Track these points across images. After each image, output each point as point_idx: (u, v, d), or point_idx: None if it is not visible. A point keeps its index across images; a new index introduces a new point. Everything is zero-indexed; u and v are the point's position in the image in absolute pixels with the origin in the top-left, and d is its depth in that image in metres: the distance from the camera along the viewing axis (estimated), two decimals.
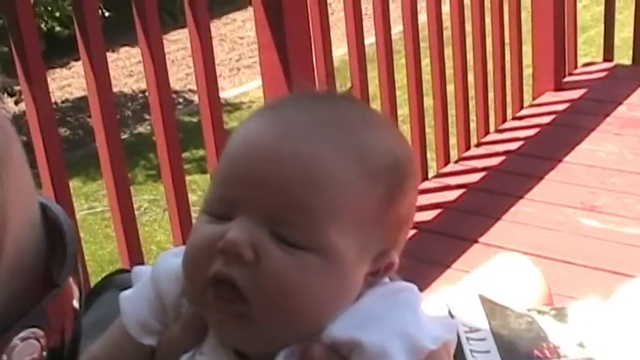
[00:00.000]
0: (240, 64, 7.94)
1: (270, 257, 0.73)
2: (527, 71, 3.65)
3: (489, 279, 1.44)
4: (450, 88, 3.18)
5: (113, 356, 0.76)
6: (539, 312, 1.30)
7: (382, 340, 0.73)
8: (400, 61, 3.06)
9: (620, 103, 3.45)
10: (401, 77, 3.06)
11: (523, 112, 3.51)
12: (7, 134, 0.45)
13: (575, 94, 3.59)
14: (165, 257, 0.83)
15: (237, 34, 8.57)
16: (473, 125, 3.31)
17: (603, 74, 3.75)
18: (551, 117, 3.44)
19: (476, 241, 2.64)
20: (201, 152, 5.59)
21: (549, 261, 2.47)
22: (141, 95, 7.39)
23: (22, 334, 0.45)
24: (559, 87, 3.64)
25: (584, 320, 1.28)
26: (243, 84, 7.60)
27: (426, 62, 3.08)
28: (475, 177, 3.05)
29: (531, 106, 3.58)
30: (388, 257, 0.79)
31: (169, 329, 0.80)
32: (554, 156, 3.10)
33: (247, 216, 0.74)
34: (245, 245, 0.72)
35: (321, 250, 0.74)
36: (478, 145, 3.28)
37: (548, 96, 3.61)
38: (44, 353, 0.46)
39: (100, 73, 2.03)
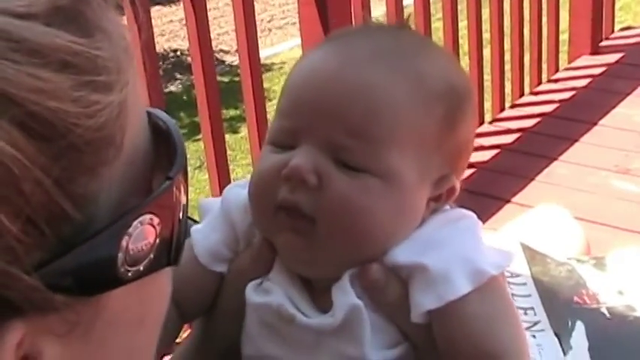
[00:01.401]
0: (271, 25, 7.92)
1: (333, 181, 0.76)
2: (564, 36, 3.63)
3: (531, 227, 1.47)
4: (486, 51, 3.19)
5: (183, 282, 0.79)
6: (578, 261, 1.32)
7: (445, 264, 0.76)
8: (435, 25, 3.06)
9: None
10: (437, 39, 3.06)
11: (559, 75, 3.50)
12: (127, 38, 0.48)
13: (612, 58, 3.58)
14: (233, 189, 0.86)
15: None
16: (508, 88, 3.31)
17: None
18: (587, 80, 3.43)
19: (508, 201, 2.65)
20: (232, 112, 5.62)
21: (583, 222, 2.47)
22: (172, 54, 7.41)
23: (140, 219, 0.47)
24: (595, 51, 3.63)
25: (623, 269, 1.30)
26: (275, 45, 7.59)
27: (463, 24, 3.08)
28: (509, 138, 3.06)
29: (567, 69, 3.57)
30: (449, 182, 0.82)
31: (239, 257, 0.83)
32: (589, 119, 3.10)
33: (309, 143, 0.77)
34: (308, 171, 0.76)
35: (382, 173, 0.76)
36: (512, 106, 3.28)
37: (585, 59, 3.59)
38: (157, 240, 0.49)
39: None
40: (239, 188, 0.85)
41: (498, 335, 0.78)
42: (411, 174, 0.78)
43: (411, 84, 0.78)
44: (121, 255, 0.46)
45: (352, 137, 0.76)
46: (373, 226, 0.77)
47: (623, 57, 3.59)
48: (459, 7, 3.03)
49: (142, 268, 0.48)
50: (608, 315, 1.19)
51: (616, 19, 3.87)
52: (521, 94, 3.34)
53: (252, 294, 0.81)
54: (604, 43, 3.70)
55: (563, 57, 3.66)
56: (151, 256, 0.49)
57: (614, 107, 3.17)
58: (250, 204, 0.81)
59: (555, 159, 2.87)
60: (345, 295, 0.78)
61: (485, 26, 3.16)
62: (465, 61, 3.12)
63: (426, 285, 0.77)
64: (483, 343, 0.77)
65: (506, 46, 3.26)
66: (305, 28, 2.52)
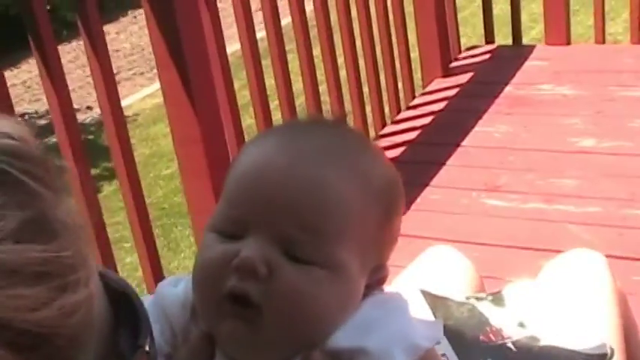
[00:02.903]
0: (120, 77, 7.84)
1: (283, 272, 0.79)
2: (415, 64, 3.76)
3: (425, 272, 1.52)
4: (343, 73, 3.25)
5: None
6: (477, 299, 1.38)
7: (384, 344, 0.81)
8: (291, 55, 3.11)
9: (506, 84, 3.61)
10: (294, 67, 3.11)
11: (416, 102, 3.63)
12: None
13: (463, 78, 3.73)
14: (165, 287, 0.89)
15: (113, 47, 8.47)
16: (370, 119, 3.40)
17: (487, 56, 3.90)
18: (444, 103, 3.56)
19: None
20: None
21: (462, 244, 2.57)
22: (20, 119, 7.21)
23: None
24: (447, 73, 3.77)
25: (520, 302, 1.37)
26: (125, 97, 7.52)
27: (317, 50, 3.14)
28: None
29: (423, 94, 3.69)
30: (382, 270, 0.87)
31: (178, 352, 0.85)
32: (452, 141, 3.22)
33: (260, 235, 0.80)
34: (259, 262, 0.78)
35: (330, 265, 0.81)
36: (376, 138, 3.37)
37: (438, 82, 3.73)
38: None
39: None
40: (171, 286, 0.88)
41: None
42: (354, 266, 0.82)
43: (358, 182, 0.83)
44: None
45: (303, 232, 0.80)
46: (320, 315, 0.80)
47: (473, 76, 3.75)
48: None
49: None
50: (514, 349, 1.25)
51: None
52: (384, 125, 3.44)
53: None
54: (454, 64, 3.86)
55: (417, 80, 3.79)
56: None
57: (473, 127, 3.31)
58: (195, 292, 0.83)
59: (426, 185, 2.97)
60: None
61: (339, 50, 3.23)
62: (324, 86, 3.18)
63: None
64: None
65: (363, 78, 3.36)
66: (167, 91, 2.53)
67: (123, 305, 0.54)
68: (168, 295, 0.87)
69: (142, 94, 6.91)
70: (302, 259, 0.80)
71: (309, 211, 0.80)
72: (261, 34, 2.89)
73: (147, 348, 0.54)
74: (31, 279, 0.44)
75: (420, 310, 1.30)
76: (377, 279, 0.87)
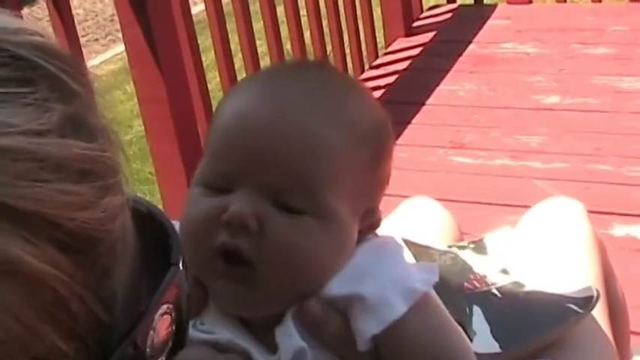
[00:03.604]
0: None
1: (274, 224, 0.77)
2: (378, 22, 3.74)
3: (406, 222, 1.51)
4: (307, 35, 3.23)
5: None
6: (459, 247, 1.37)
7: (380, 289, 0.79)
8: (257, 15, 3.08)
9: (469, 42, 3.61)
10: (258, 28, 3.09)
11: (379, 61, 3.61)
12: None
13: (426, 37, 3.73)
14: None
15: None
16: None
17: (449, 15, 3.90)
18: (407, 62, 3.56)
19: None
20: None
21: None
22: None
23: (160, 311, 0.49)
24: (409, 32, 3.76)
25: (502, 249, 1.36)
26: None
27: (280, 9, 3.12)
28: None
29: (386, 54, 3.68)
30: (374, 214, 0.85)
31: None
32: (417, 100, 3.22)
33: (248, 188, 0.78)
34: (249, 216, 0.76)
35: (321, 213, 0.79)
36: None
37: (400, 42, 3.72)
38: (173, 327, 0.50)
39: None
40: None
41: (444, 345, 0.82)
42: (345, 212, 0.80)
43: (344, 128, 0.81)
44: (148, 351, 0.48)
45: (291, 181, 0.78)
46: (314, 265, 0.79)
47: (436, 35, 3.74)
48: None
49: (164, 357, 0.50)
50: (499, 295, 1.25)
51: None
52: None
53: (195, 332, 0.81)
54: (416, 23, 3.85)
55: (381, 40, 3.78)
56: (169, 344, 0.50)
57: (437, 85, 3.31)
58: (184, 248, 0.80)
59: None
60: (290, 338, 0.79)
61: (303, 11, 3.20)
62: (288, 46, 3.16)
63: (365, 312, 0.79)
64: (432, 355, 0.80)
65: (326, 38, 3.33)
66: (131, 49, 2.49)
67: (149, 226, 0.53)
68: None
69: (98, 60, 6.80)
70: (292, 209, 0.78)
71: (297, 160, 0.78)
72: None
73: (180, 266, 0.53)
74: (77, 176, 0.43)
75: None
76: (369, 223, 0.85)
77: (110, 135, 0.48)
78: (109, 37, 6.94)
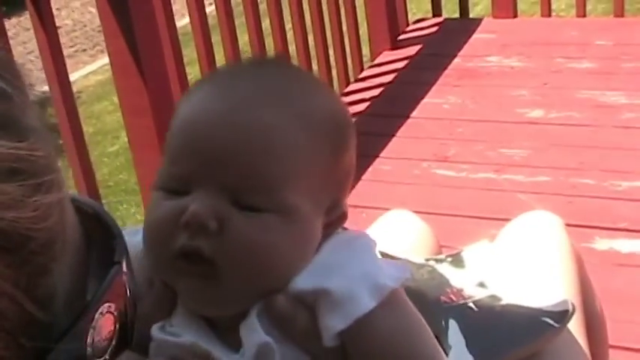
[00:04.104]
0: None
1: (234, 223, 0.76)
2: (364, 36, 3.75)
3: (384, 234, 1.51)
4: (292, 48, 3.23)
5: None
6: (436, 260, 1.37)
7: (347, 284, 0.79)
8: (242, 28, 3.08)
9: (454, 56, 3.62)
10: (244, 41, 3.09)
11: (365, 74, 3.62)
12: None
13: (412, 50, 3.74)
14: (125, 238, 0.85)
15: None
16: None
17: (435, 29, 3.91)
18: (393, 75, 3.56)
19: None
20: None
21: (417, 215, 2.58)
22: None
23: (100, 309, 0.49)
24: (395, 45, 3.77)
25: (479, 262, 1.36)
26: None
27: (266, 22, 3.12)
28: None
29: (371, 67, 3.69)
30: (339, 208, 0.85)
31: (142, 302, 0.82)
32: (402, 113, 3.23)
33: (206, 188, 0.77)
34: (208, 216, 0.76)
35: (281, 210, 0.78)
36: None
37: (386, 55, 3.73)
38: (117, 326, 0.51)
39: None
40: (131, 236, 0.84)
41: (413, 344, 0.81)
42: (307, 207, 0.80)
43: (300, 120, 0.80)
44: (89, 350, 0.47)
45: (248, 179, 0.77)
46: (276, 262, 0.78)
47: (421, 48, 3.75)
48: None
49: (107, 357, 0.50)
50: (475, 308, 1.25)
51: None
52: None
53: (161, 334, 0.81)
54: (402, 37, 3.86)
55: (366, 53, 3.79)
56: (114, 342, 0.50)
57: (422, 98, 3.31)
58: (147, 252, 0.80)
59: (377, 156, 2.97)
60: (254, 333, 0.79)
61: (288, 25, 3.21)
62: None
63: (332, 307, 0.78)
64: (399, 355, 0.80)
65: (311, 50, 3.34)
66: (114, 60, 2.48)
67: (95, 227, 0.54)
68: (129, 245, 0.84)
69: (85, 71, 6.79)
70: (251, 207, 0.77)
71: (252, 157, 0.77)
72: (210, 8, 2.86)
73: (124, 267, 0.53)
74: (5, 175, 0.43)
75: None
76: (336, 217, 0.84)
77: (45, 135, 0.48)
78: (97, 48, 6.93)
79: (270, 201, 0.78)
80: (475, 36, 3.79)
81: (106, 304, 0.49)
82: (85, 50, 7.33)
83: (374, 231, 1.55)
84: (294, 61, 3.25)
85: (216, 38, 2.92)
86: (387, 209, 1.87)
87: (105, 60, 6.25)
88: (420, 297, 1.28)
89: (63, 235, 0.47)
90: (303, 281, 0.80)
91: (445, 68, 3.52)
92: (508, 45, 3.68)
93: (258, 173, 0.78)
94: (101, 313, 0.49)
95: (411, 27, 3.95)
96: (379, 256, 0.85)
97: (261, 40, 3.05)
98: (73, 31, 7.76)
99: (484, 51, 3.65)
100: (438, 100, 3.29)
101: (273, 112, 0.80)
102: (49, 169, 0.46)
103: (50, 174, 0.46)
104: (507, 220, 1.67)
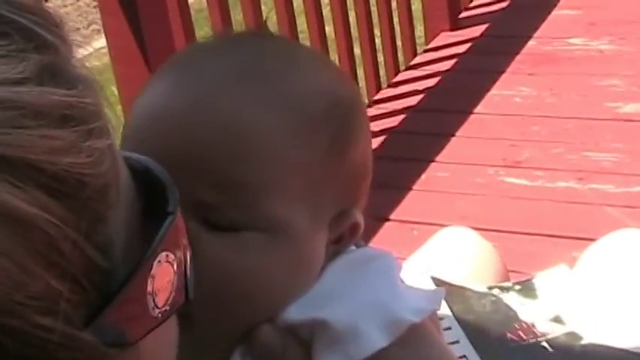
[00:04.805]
0: None
1: (202, 247, 0.74)
2: (417, 13, 3.75)
3: (435, 258, 1.51)
4: (329, 28, 3.24)
5: None
6: (502, 289, 1.38)
7: (351, 316, 0.76)
8: (269, 5, 3.09)
9: (529, 37, 3.61)
10: (271, 23, 3.10)
11: (417, 60, 3.62)
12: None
13: (476, 31, 3.73)
14: None
15: None
16: (362, 83, 3.39)
17: (504, 4, 3.90)
18: (452, 62, 3.56)
19: (387, 219, 2.72)
20: None
21: (477, 232, 2.57)
22: None
23: (158, 258, 0.55)
24: (455, 25, 3.77)
25: (555, 292, 1.36)
26: None
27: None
28: (373, 143, 3.11)
29: (426, 51, 3.69)
30: (350, 218, 0.82)
31: None
32: (463, 107, 3.22)
33: None
34: None
35: (263, 226, 0.76)
36: (370, 105, 3.36)
37: (444, 37, 3.73)
38: (175, 277, 0.57)
39: None
40: None
41: None
42: (300, 220, 0.77)
43: (285, 109, 0.78)
44: (149, 297, 0.55)
45: (218, 191, 0.75)
46: (260, 292, 0.77)
47: (488, 28, 3.74)
48: None
49: (168, 307, 0.57)
50: (550, 349, 1.25)
51: None
52: (378, 89, 3.43)
53: None
54: (464, 14, 3.86)
55: (418, 39, 3.79)
56: (173, 293, 0.57)
57: (488, 90, 3.31)
58: None
59: (432, 161, 2.97)
60: None
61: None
62: None
63: (330, 343, 0.76)
64: None
65: (353, 31, 3.35)
66: (113, 42, 2.51)
67: (147, 182, 0.62)
68: None
69: (78, 55, 6.87)
70: (227, 226, 0.75)
71: (222, 164, 0.75)
72: None
73: (178, 215, 0.60)
74: (58, 121, 0.51)
75: None
76: (345, 230, 0.81)
77: (92, 84, 0.56)
78: (93, 27, 6.99)
79: (249, 216, 0.75)
80: (555, 12, 3.78)
81: (164, 253, 0.56)
82: (78, 29, 7.40)
83: (425, 252, 1.55)
84: (332, 44, 3.26)
85: (236, 17, 2.94)
86: (444, 226, 1.87)
87: (102, 42, 6.31)
88: (482, 333, 1.28)
89: (116, 183, 0.55)
90: (298, 310, 0.78)
91: (517, 53, 3.51)
92: (596, 24, 3.66)
93: (232, 183, 0.75)
94: (159, 261, 0.56)
95: (475, 2, 3.95)
96: (404, 282, 0.82)
97: (292, 19, 3.06)
98: (63, 7, 7.85)
99: (566, 31, 3.64)
100: (508, 92, 3.29)
101: (247, 101, 0.77)
102: (98, 116, 0.54)
103: (99, 120, 0.54)
104: (592, 240, 1.66)
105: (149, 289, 0.55)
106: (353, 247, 0.84)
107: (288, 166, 0.77)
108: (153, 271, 0.55)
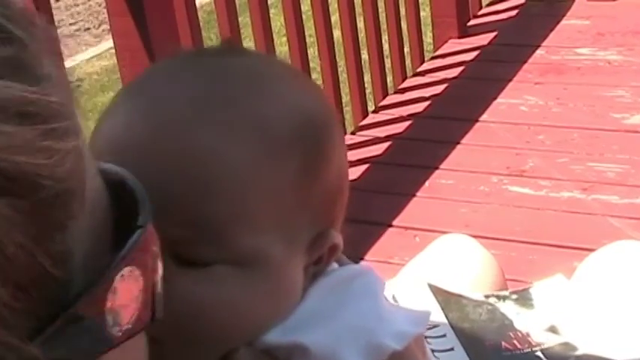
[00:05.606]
0: (60, 34, 7.82)
1: (175, 285, 0.72)
2: (426, 20, 3.75)
3: (433, 265, 1.51)
4: (337, 34, 3.24)
5: None
6: (498, 298, 1.38)
7: (329, 341, 0.75)
8: (277, 9, 3.09)
9: (537, 47, 3.61)
10: (279, 26, 3.10)
11: (425, 67, 3.62)
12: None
13: (484, 39, 3.73)
14: None
15: None
16: (368, 89, 3.39)
17: (513, 13, 3.90)
18: (459, 69, 3.56)
19: (390, 225, 2.72)
20: None
21: (479, 240, 2.56)
22: None
23: (121, 272, 0.52)
24: (464, 33, 3.77)
25: (551, 301, 1.36)
26: (67, 58, 7.50)
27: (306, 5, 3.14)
28: (378, 149, 3.13)
29: (433, 58, 3.69)
30: (328, 239, 0.80)
31: None
32: (469, 115, 3.22)
33: None
34: None
35: (236, 258, 0.75)
36: (376, 111, 3.36)
37: (452, 44, 3.73)
38: (140, 293, 0.54)
39: None
40: None
41: None
42: (274, 249, 0.76)
43: (249, 137, 0.76)
44: (108, 315, 0.52)
45: (186, 228, 0.73)
46: (238, 322, 0.76)
47: (496, 36, 3.74)
48: None
49: (130, 325, 0.53)
50: (545, 359, 1.25)
51: None
52: (385, 95, 3.43)
53: None
54: (472, 22, 3.86)
55: (428, 41, 3.79)
56: (137, 312, 0.54)
57: (494, 98, 3.30)
58: None
59: (436, 168, 2.96)
60: None
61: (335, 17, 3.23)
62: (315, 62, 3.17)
63: None
64: None
65: (361, 37, 3.35)
66: (120, 43, 2.51)
67: (122, 193, 0.59)
68: None
69: (88, 54, 6.87)
70: (197, 261, 0.74)
71: (186, 198, 0.73)
72: None
73: (148, 231, 0.57)
74: (16, 117, 0.48)
75: (428, 309, 1.30)
76: (324, 252, 0.80)
77: (62, 84, 0.54)
78: (104, 27, 7.01)
79: (220, 251, 0.74)
80: (563, 22, 3.77)
81: (128, 268, 0.53)
82: (88, 29, 7.42)
83: (424, 259, 1.55)
84: (339, 49, 3.26)
85: (244, 20, 2.94)
86: (446, 233, 1.87)
87: (112, 42, 6.33)
88: (477, 342, 1.28)
89: (81, 190, 0.51)
90: (278, 333, 0.77)
91: (524, 62, 3.51)
92: (605, 34, 3.66)
93: (199, 219, 0.73)
94: (122, 275, 0.53)
95: (484, 10, 3.95)
96: (388, 301, 0.81)
97: (300, 24, 3.06)
98: (74, 6, 7.87)
99: (574, 41, 3.64)
100: (515, 101, 3.28)
101: (210, 131, 0.75)
102: (63, 116, 0.51)
103: (64, 121, 0.51)
104: (592, 250, 1.66)
105: (109, 304, 0.52)
106: (335, 265, 0.83)
107: (257, 195, 0.76)
108: (115, 285, 0.52)
